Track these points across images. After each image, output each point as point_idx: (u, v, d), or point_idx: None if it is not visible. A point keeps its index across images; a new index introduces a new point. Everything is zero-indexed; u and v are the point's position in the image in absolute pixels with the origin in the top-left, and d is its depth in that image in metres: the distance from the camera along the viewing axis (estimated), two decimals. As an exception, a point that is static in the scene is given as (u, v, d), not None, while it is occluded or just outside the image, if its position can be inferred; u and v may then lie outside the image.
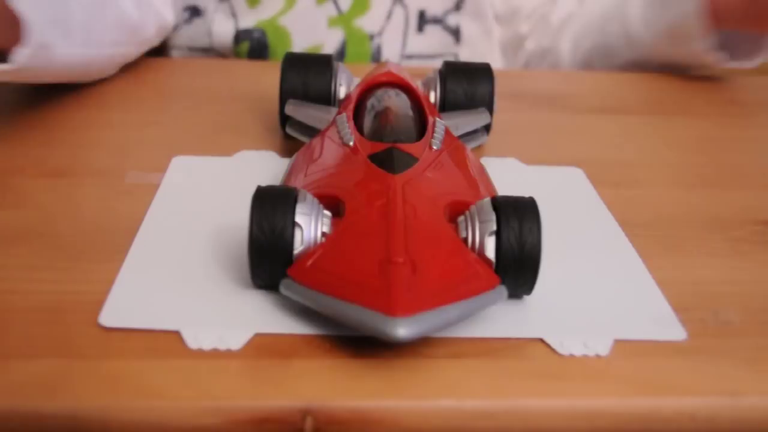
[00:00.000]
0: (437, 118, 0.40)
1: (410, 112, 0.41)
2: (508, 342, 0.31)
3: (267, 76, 0.53)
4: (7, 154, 0.44)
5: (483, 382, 0.29)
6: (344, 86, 0.46)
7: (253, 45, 0.67)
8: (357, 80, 0.46)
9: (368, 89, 0.44)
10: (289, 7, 0.67)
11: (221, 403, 0.27)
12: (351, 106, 0.42)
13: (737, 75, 0.64)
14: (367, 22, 0.68)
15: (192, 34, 0.70)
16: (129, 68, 0.58)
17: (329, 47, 0.68)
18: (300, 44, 0.68)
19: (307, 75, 0.45)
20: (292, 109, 0.44)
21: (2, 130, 0.47)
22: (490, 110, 0.46)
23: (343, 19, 0.68)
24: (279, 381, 0.28)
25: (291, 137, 0.45)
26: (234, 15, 0.68)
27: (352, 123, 0.39)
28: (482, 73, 0.46)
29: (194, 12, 0.69)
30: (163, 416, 0.27)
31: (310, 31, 0.68)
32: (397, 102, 0.42)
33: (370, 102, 0.42)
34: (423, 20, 0.69)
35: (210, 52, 0.69)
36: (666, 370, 0.30)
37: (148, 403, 0.27)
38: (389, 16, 0.68)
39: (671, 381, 0.30)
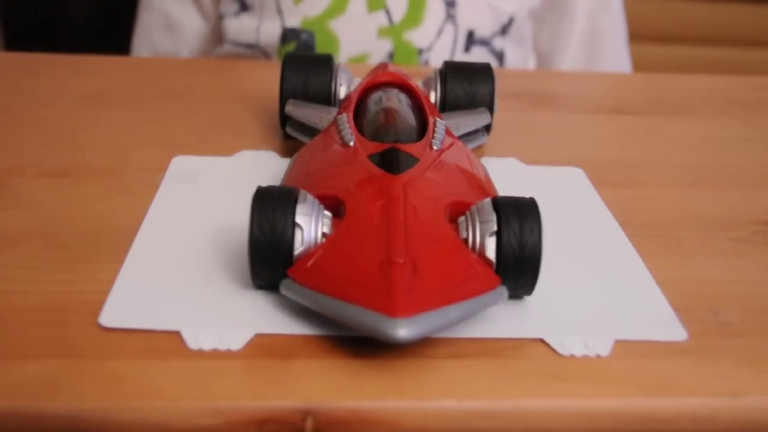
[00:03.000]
0: (438, 119, 0.40)
1: (411, 113, 0.41)
2: (509, 342, 0.31)
3: (267, 76, 0.53)
4: (7, 154, 0.44)
5: (484, 383, 0.29)
6: (344, 86, 0.46)
7: (300, 46, 0.67)
8: (357, 80, 0.46)
9: (369, 89, 0.44)
10: (339, 12, 0.67)
11: (222, 403, 0.27)
12: (351, 107, 0.42)
13: (737, 75, 0.64)
14: (418, 36, 0.68)
15: (239, 28, 0.69)
16: (129, 68, 0.58)
17: (376, 57, 0.67)
18: (347, 51, 0.67)
19: (307, 75, 0.45)
20: (292, 109, 0.44)
21: (2, 130, 0.47)
22: (491, 110, 0.46)
23: (393, 31, 0.67)
24: (279, 381, 0.28)
25: (291, 137, 0.45)
26: (280, 11, 0.67)
27: (352, 123, 0.39)
28: (482, 73, 0.46)
29: (243, 6, 0.69)
30: (164, 417, 0.27)
31: (359, 39, 0.67)
32: (397, 102, 0.42)
33: (371, 102, 0.42)
34: (471, 41, 0.69)
35: (254, 48, 0.69)
36: (666, 371, 0.30)
37: (149, 403, 0.27)
38: (440, 32, 0.68)
39: (672, 381, 0.30)
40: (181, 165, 0.43)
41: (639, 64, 0.99)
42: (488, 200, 0.32)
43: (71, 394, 0.27)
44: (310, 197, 0.32)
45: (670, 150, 0.50)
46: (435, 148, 0.37)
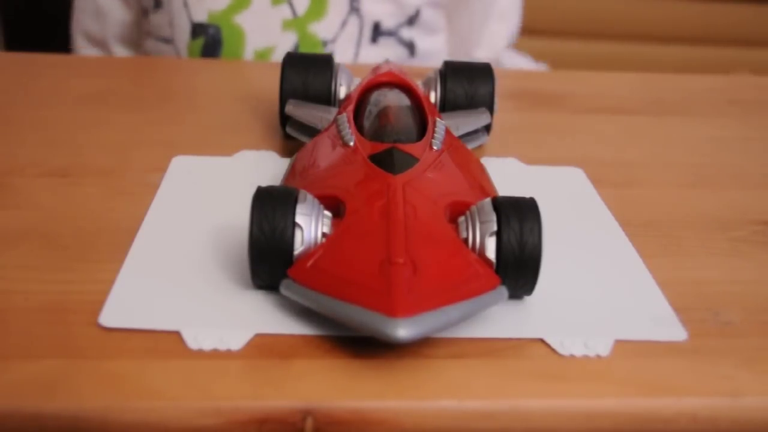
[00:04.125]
0: (438, 118, 0.40)
1: (411, 113, 0.41)
2: (509, 342, 0.31)
3: (267, 76, 0.53)
4: (7, 154, 0.44)
5: (484, 383, 0.29)
6: (344, 86, 0.46)
7: (208, 41, 0.68)
8: (357, 80, 0.46)
9: (369, 89, 0.44)
10: (244, 6, 0.67)
11: (221, 403, 0.27)
12: (351, 106, 0.42)
13: (737, 75, 0.64)
14: (321, 28, 0.69)
15: (158, 24, 0.71)
16: (129, 68, 0.58)
17: (281, 50, 0.68)
18: (253, 44, 0.68)
19: (307, 75, 0.45)
20: (293, 109, 0.44)
21: (2, 130, 0.47)
22: (491, 110, 0.46)
23: (297, 23, 0.68)
24: (279, 381, 0.28)
25: (291, 137, 0.45)
26: (186, 6, 0.68)
27: (352, 123, 0.39)
28: (483, 73, 0.46)
29: (156, 2, 0.70)
30: (164, 417, 0.27)
31: (264, 32, 0.68)
32: (397, 102, 0.42)
33: (371, 102, 0.42)
34: (377, 32, 0.70)
35: (170, 43, 0.70)
36: (666, 371, 0.30)
37: (149, 403, 0.27)
38: (344, 24, 0.69)
39: (672, 381, 0.30)
40: (181, 165, 0.43)
41: (640, 64, 0.99)
42: (488, 200, 0.32)
43: (71, 394, 0.27)
44: (310, 197, 0.32)
45: (670, 150, 0.50)
46: (435, 148, 0.37)
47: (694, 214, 0.42)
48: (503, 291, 0.31)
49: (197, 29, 0.68)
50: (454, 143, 0.39)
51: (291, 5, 0.68)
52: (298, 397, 0.28)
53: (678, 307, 0.33)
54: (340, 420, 0.27)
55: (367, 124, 0.40)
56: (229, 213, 0.37)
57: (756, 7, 1.31)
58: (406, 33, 0.71)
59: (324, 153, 0.38)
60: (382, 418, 0.28)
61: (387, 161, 0.35)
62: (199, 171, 0.43)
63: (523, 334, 0.31)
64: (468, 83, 0.46)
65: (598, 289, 0.34)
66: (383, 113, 0.41)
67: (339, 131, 0.39)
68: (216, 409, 0.27)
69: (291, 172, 0.38)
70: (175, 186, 0.41)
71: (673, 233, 0.40)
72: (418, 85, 0.45)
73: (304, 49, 0.68)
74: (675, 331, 0.32)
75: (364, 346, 0.29)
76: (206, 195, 0.40)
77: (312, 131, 0.42)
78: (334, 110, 0.43)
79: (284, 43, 0.68)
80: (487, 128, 0.46)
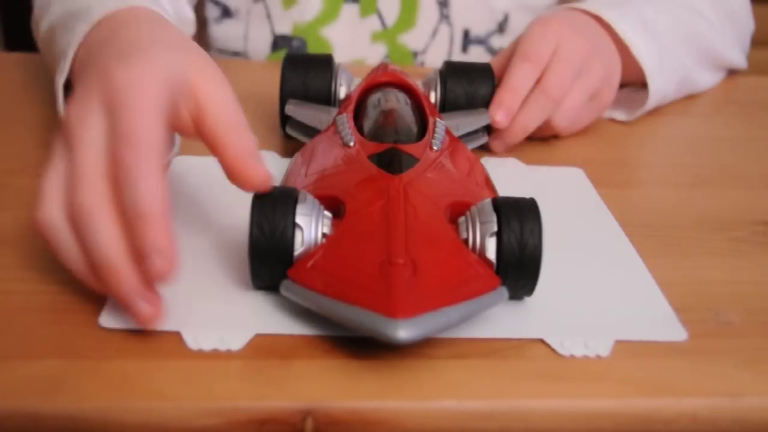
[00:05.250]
0: (438, 119, 0.40)
1: (411, 113, 0.41)
2: (509, 343, 0.31)
3: (267, 76, 0.53)
4: (7, 154, 0.43)
5: (484, 383, 0.29)
6: (344, 86, 0.46)
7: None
8: (357, 80, 0.46)
9: (369, 89, 0.44)
10: (332, 18, 0.65)
11: (222, 403, 0.27)
12: (351, 107, 0.42)
13: (737, 75, 0.64)
14: (412, 39, 0.66)
15: (224, 35, 0.67)
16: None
17: (371, 63, 0.66)
18: (340, 57, 0.64)
19: (308, 75, 0.45)
20: (293, 109, 0.44)
21: (2, 130, 0.47)
22: (491, 110, 0.46)
23: (387, 34, 0.66)
24: (279, 382, 0.28)
25: (291, 137, 0.45)
26: (269, 17, 0.65)
27: (352, 123, 0.39)
28: (482, 73, 0.46)
29: (225, 12, 0.67)
30: (164, 417, 0.27)
31: (352, 45, 0.66)
32: (397, 102, 0.42)
33: (371, 102, 0.42)
34: (467, 40, 0.67)
35: (242, 56, 0.67)
36: (667, 371, 0.30)
37: (149, 403, 0.27)
38: (434, 33, 0.66)
39: (672, 381, 0.30)
40: (181, 165, 0.43)
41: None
42: (488, 201, 0.32)
43: (72, 395, 0.27)
44: (310, 197, 0.32)
45: (670, 150, 0.50)
46: (435, 148, 0.37)
47: (694, 214, 0.42)
48: (503, 291, 0.31)
49: (279, 42, 0.65)
50: (454, 143, 0.39)
51: (380, 16, 0.66)
52: (298, 397, 0.28)
53: (678, 307, 0.33)
54: (340, 420, 0.27)
55: (367, 124, 0.40)
56: (229, 213, 0.37)
57: (756, 7, 1.31)
58: (497, 41, 0.68)
59: (324, 153, 0.38)
60: (382, 418, 0.28)
61: (387, 161, 0.35)
62: (199, 171, 0.43)
63: (523, 335, 0.31)
64: (468, 83, 0.46)
65: (598, 290, 0.34)
66: (383, 114, 0.41)
67: (339, 131, 0.39)
68: (216, 410, 0.27)
69: (291, 173, 0.38)
70: (175, 186, 0.41)
71: (673, 233, 0.40)
72: (418, 85, 0.45)
73: (395, 61, 0.66)
74: (675, 332, 0.32)
75: (364, 346, 0.29)
76: (206, 195, 0.40)
77: (312, 131, 0.42)
78: (334, 110, 0.43)
79: (373, 56, 0.66)
80: (487, 128, 0.46)
